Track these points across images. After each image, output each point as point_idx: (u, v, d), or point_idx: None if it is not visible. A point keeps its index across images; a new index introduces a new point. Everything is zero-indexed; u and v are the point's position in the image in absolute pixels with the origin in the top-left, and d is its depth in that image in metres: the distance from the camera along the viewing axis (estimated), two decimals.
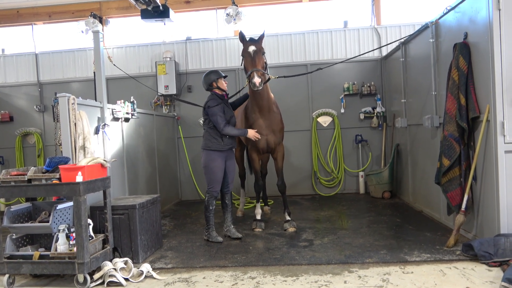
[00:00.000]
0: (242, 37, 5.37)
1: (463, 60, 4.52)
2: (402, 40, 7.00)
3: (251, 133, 5.33)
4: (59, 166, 4.09)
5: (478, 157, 4.44)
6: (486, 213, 4.39)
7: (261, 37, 5.34)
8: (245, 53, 5.26)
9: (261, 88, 5.05)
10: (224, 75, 5.41)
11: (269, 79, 5.43)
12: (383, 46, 7.69)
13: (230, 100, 5.88)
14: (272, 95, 5.70)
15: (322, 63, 8.32)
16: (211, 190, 5.27)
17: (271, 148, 5.78)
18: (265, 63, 5.35)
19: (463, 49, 4.54)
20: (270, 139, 5.68)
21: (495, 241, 3.95)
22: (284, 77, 6.27)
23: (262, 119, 5.59)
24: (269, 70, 5.63)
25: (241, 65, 5.41)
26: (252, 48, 5.21)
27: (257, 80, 4.97)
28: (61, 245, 3.99)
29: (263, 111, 5.56)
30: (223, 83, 5.36)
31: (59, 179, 4.04)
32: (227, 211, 5.48)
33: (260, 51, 5.21)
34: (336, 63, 7.56)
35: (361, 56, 8.28)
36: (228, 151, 5.33)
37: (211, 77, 5.36)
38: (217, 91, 5.34)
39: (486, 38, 4.16)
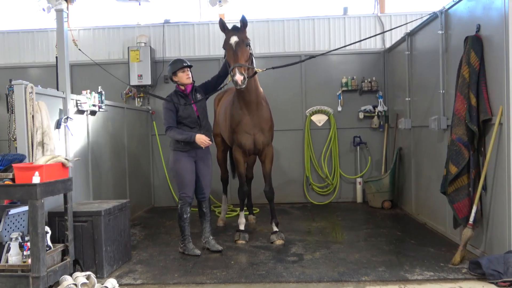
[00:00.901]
0: (222, 25, 5.28)
1: (475, 55, 4.59)
2: (408, 30, 7.07)
3: (199, 139, 5.06)
4: (13, 165, 4.03)
5: (489, 164, 4.51)
6: (496, 227, 4.47)
7: (244, 24, 5.23)
8: (226, 45, 5.20)
9: (244, 86, 5.01)
10: (186, 64, 5.27)
11: (255, 73, 5.38)
12: (387, 31, 7.75)
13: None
14: (261, 89, 5.70)
15: (319, 54, 8.37)
16: (183, 196, 5.24)
17: (259, 149, 5.78)
18: (251, 54, 5.29)
19: (475, 43, 4.61)
20: (258, 139, 5.69)
21: (505, 258, 4.02)
22: (273, 68, 6.10)
23: (250, 116, 5.58)
24: (258, 62, 5.61)
25: (224, 58, 5.38)
26: (234, 39, 5.13)
27: (239, 77, 4.91)
28: (13, 256, 3.93)
29: (251, 107, 5.55)
30: (182, 77, 5.26)
31: (13, 179, 3.98)
32: (205, 220, 5.46)
33: (243, 42, 5.14)
34: (331, 51, 7.47)
35: (362, 48, 8.35)
36: (197, 151, 5.25)
37: (169, 69, 5.32)
38: (178, 86, 5.32)
39: (501, 32, 4.23)
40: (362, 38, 8.59)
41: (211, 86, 5.56)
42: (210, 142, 5.18)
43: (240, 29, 5.23)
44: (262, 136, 5.69)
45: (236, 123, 5.63)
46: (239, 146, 5.74)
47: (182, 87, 5.30)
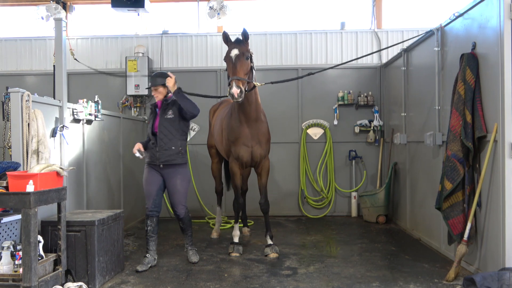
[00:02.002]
0: (226, 38, 5.32)
1: (471, 72, 4.64)
2: (405, 47, 7.15)
3: (134, 147, 5.25)
4: (7, 173, 4.02)
5: (484, 181, 4.54)
6: (491, 244, 4.48)
7: (245, 37, 5.27)
8: (227, 57, 5.24)
9: (241, 100, 5.03)
10: (151, 84, 5.31)
11: (254, 87, 5.42)
12: (383, 49, 7.84)
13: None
14: (260, 102, 5.72)
15: (316, 68, 8.43)
16: (146, 208, 5.36)
17: (256, 162, 5.80)
18: (252, 67, 5.32)
19: (471, 61, 4.67)
20: (255, 152, 5.70)
21: (499, 275, 4.02)
22: (271, 83, 6.25)
23: (248, 129, 5.60)
24: (256, 74, 5.64)
25: (226, 71, 5.40)
26: (234, 52, 5.17)
27: (235, 91, 4.95)
28: (5, 265, 3.89)
29: (250, 120, 5.57)
30: (154, 93, 5.33)
31: (6, 187, 3.97)
32: (184, 234, 5.54)
33: (243, 55, 5.17)
34: (328, 68, 7.61)
35: (359, 63, 8.43)
36: (161, 165, 5.21)
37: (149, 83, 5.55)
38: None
39: (496, 50, 4.29)
40: (359, 55, 8.73)
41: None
42: (139, 155, 5.16)
43: (242, 42, 5.26)
44: (259, 148, 5.70)
45: (235, 135, 5.64)
46: (236, 159, 5.74)
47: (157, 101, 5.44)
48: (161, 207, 5.45)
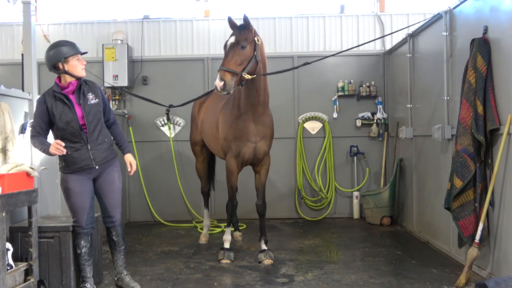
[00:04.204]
0: (231, 23, 5.33)
1: (482, 59, 4.66)
2: (410, 31, 7.16)
3: (53, 147, 4.24)
4: None
5: (497, 177, 4.56)
6: (505, 246, 4.51)
7: (246, 23, 5.21)
8: (224, 45, 5.27)
9: (226, 93, 5.05)
10: (80, 51, 4.50)
11: (246, 80, 5.25)
12: (391, 33, 7.77)
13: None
14: (268, 91, 5.65)
15: (312, 55, 8.42)
16: (74, 225, 4.52)
17: (258, 159, 5.80)
18: (253, 57, 5.19)
19: (482, 47, 4.69)
20: (259, 148, 5.70)
21: None
22: (263, 75, 6.07)
23: (254, 123, 5.58)
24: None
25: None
26: (230, 40, 5.20)
27: (218, 83, 4.97)
28: None
29: (257, 112, 5.55)
30: (77, 67, 4.43)
31: None
32: (116, 251, 4.77)
33: (238, 44, 5.15)
34: (328, 56, 7.55)
35: (360, 49, 8.41)
36: (92, 169, 4.49)
37: (53, 55, 4.37)
38: (63, 79, 4.45)
39: (510, 34, 4.31)
40: (360, 41, 8.71)
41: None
42: (64, 150, 4.25)
43: (243, 29, 5.23)
44: (264, 144, 5.71)
45: (239, 130, 5.61)
46: (236, 156, 5.72)
47: (63, 83, 4.45)
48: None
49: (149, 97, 6.74)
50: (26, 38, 5.25)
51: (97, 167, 4.47)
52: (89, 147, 4.41)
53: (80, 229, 4.51)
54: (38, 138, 4.39)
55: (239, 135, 5.63)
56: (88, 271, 4.55)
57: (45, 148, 4.32)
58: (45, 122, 4.42)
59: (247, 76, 5.28)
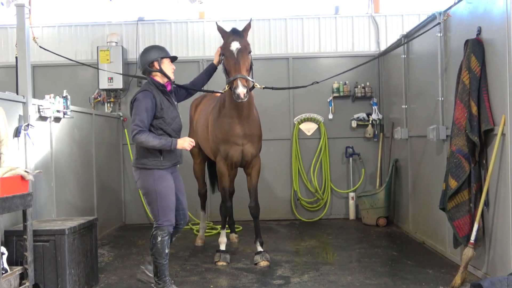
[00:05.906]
0: (221, 28, 5.34)
1: (476, 60, 4.69)
2: (405, 32, 7.19)
3: (182, 143, 4.41)
4: None
5: (491, 178, 4.59)
6: (500, 246, 4.54)
7: (247, 27, 5.26)
8: (227, 51, 5.18)
9: (246, 99, 5.01)
10: (172, 55, 4.76)
11: (253, 87, 5.34)
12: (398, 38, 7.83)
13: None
14: (253, 95, 5.69)
15: (307, 57, 8.45)
16: (166, 224, 4.45)
17: (247, 161, 5.80)
18: (251, 64, 5.26)
19: (476, 47, 4.71)
20: (246, 150, 5.70)
21: (509, 280, 4.06)
22: (272, 89, 5.99)
23: (240, 126, 5.58)
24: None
25: (221, 63, 5.30)
26: (236, 45, 5.15)
27: (241, 91, 4.91)
28: None
29: (242, 116, 5.56)
30: (168, 67, 4.64)
31: None
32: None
33: (246, 50, 5.16)
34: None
35: (355, 50, 8.44)
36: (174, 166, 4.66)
37: (151, 55, 4.60)
38: (157, 78, 4.61)
39: (503, 35, 4.33)
40: (355, 42, 8.79)
41: (182, 95, 5.10)
42: (193, 144, 4.51)
43: (242, 34, 5.24)
44: (251, 147, 5.71)
45: (224, 133, 5.62)
46: (225, 158, 5.73)
47: (164, 80, 4.62)
48: None
49: None
50: (20, 41, 5.24)
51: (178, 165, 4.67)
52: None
53: (171, 228, 4.51)
54: (151, 133, 4.37)
55: (226, 138, 5.64)
56: (167, 270, 4.51)
57: (166, 142, 4.32)
58: (152, 116, 4.43)
59: (257, 85, 5.32)
